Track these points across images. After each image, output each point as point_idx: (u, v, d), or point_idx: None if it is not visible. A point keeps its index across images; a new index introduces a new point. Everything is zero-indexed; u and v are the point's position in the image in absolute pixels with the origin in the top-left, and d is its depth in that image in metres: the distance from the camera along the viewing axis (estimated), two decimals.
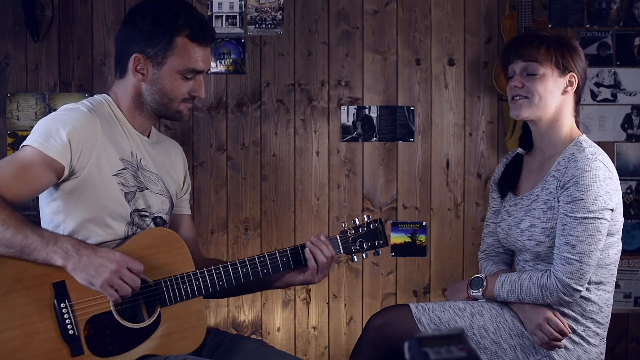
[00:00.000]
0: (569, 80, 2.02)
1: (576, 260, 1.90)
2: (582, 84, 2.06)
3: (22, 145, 1.79)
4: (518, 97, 2.02)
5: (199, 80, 1.92)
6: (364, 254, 2.04)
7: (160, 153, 2.03)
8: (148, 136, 2.00)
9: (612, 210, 1.94)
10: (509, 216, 2.10)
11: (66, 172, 1.78)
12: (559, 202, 1.95)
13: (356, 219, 2.06)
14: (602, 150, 2.01)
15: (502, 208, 2.16)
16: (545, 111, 2.01)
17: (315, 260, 1.94)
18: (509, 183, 2.15)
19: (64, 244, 1.70)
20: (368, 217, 2.06)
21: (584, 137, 2.04)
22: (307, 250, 1.95)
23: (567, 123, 2.05)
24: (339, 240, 2.02)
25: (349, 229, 2.04)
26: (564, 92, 2.02)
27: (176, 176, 2.07)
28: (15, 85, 3.25)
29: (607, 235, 1.95)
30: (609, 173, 1.94)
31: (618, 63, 3.27)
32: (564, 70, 2.01)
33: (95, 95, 1.96)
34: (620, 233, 2.04)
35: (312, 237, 1.98)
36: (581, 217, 1.90)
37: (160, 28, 1.85)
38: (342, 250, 2.01)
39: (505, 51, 2.10)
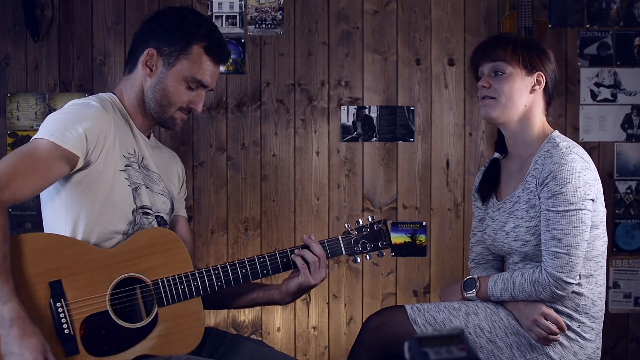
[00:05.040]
0: (536, 79, 2.04)
1: (564, 254, 1.91)
2: (552, 85, 2.08)
3: (34, 137, 1.77)
4: (486, 97, 2.05)
5: (200, 94, 1.96)
6: (366, 255, 2.02)
7: (160, 157, 2.05)
8: (148, 138, 2.02)
9: (592, 200, 1.95)
10: (493, 221, 2.12)
11: (80, 164, 1.78)
12: (539, 199, 1.97)
13: (360, 220, 2.04)
14: (577, 144, 2.03)
15: (486, 215, 2.17)
16: (514, 111, 2.03)
17: (305, 259, 1.93)
18: (489, 189, 2.17)
19: (5, 312, 1.57)
20: (372, 217, 2.04)
21: (556, 133, 2.06)
22: (294, 253, 1.94)
23: (538, 122, 2.07)
24: (341, 241, 2.00)
25: (352, 229, 2.01)
26: (532, 90, 2.04)
27: (176, 181, 2.10)
28: (15, 85, 3.25)
29: (592, 227, 1.97)
30: (585, 164, 1.96)
31: (618, 63, 3.27)
32: (531, 69, 2.03)
33: (99, 93, 1.97)
34: (605, 224, 2.05)
35: (303, 236, 1.98)
36: (563, 210, 1.92)
37: (181, 31, 1.92)
38: (343, 251, 1.99)
39: (474, 53, 2.12)
